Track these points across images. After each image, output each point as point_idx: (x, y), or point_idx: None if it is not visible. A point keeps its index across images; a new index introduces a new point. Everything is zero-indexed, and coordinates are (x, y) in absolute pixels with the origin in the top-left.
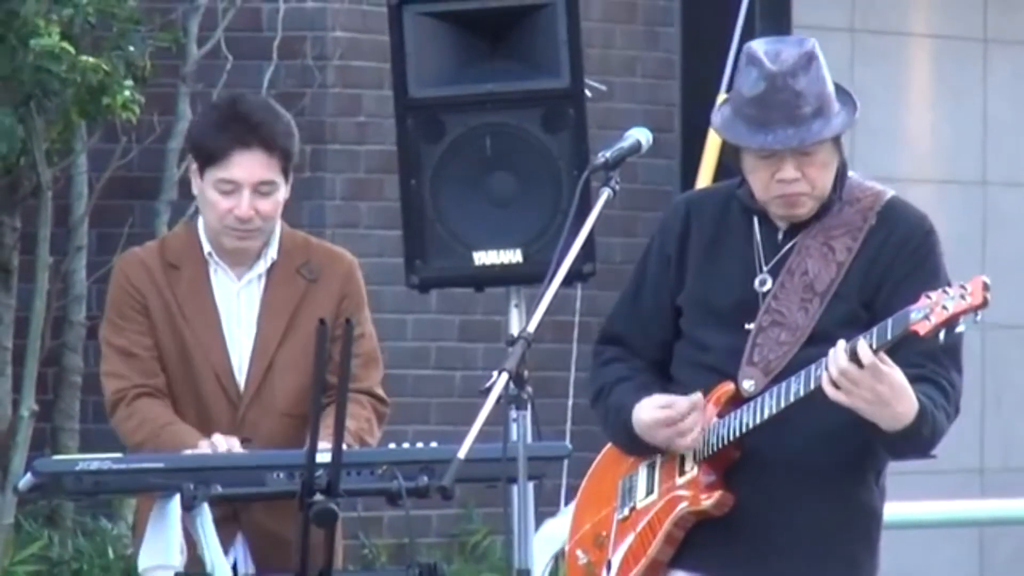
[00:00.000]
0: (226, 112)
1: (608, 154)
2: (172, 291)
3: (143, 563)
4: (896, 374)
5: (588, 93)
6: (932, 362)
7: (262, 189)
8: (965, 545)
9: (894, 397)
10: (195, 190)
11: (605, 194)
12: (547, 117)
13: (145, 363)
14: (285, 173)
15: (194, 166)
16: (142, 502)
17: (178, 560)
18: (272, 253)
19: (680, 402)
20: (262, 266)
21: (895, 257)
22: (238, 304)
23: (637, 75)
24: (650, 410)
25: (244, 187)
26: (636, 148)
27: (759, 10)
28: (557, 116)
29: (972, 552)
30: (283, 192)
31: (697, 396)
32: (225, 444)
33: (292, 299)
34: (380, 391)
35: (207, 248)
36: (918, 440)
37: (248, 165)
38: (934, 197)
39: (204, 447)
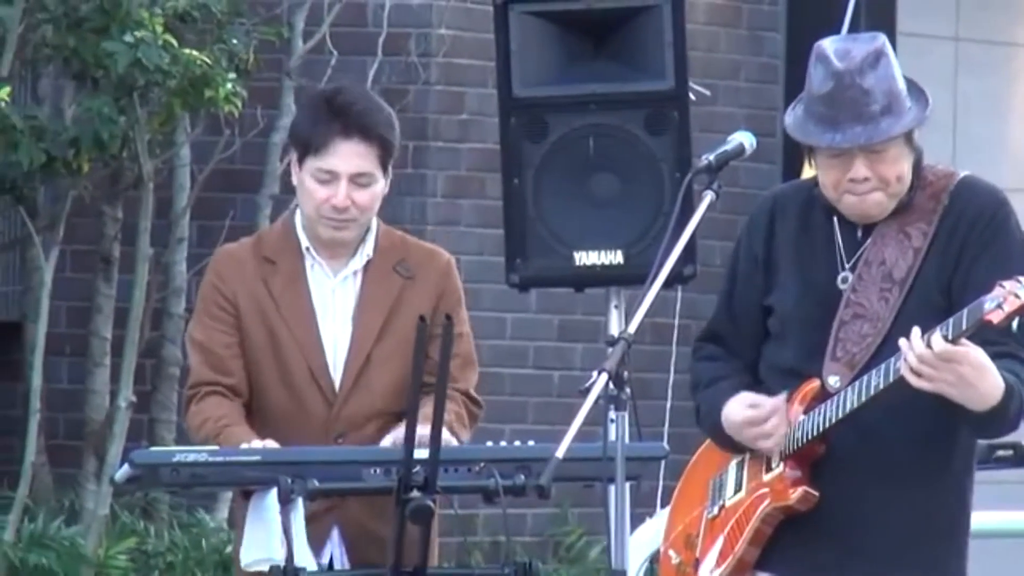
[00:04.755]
0: (327, 102)
1: (712, 157)
2: (267, 286)
3: (246, 557)
4: (976, 353)
5: (691, 96)
6: (1012, 339)
7: (360, 180)
8: None
9: (977, 377)
10: (295, 180)
11: (708, 197)
12: (650, 119)
13: (222, 361)
14: (384, 166)
15: (294, 156)
16: (238, 495)
17: (280, 553)
18: (368, 250)
19: (765, 404)
20: (358, 262)
21: (969, 233)
22: (334, 300)
23: (740, 79)
24: (738, 409)
25: (342, 177)
26: (740, 152)
27: (864, 18)
28: (660, 118)
29: None
30: (381, 185)
31: (781, 398)
32: None
33: (389, 296)
34: (475, 394)
35: (304, 243)
36: (1005, 416)
37: (346, 155)
38: None
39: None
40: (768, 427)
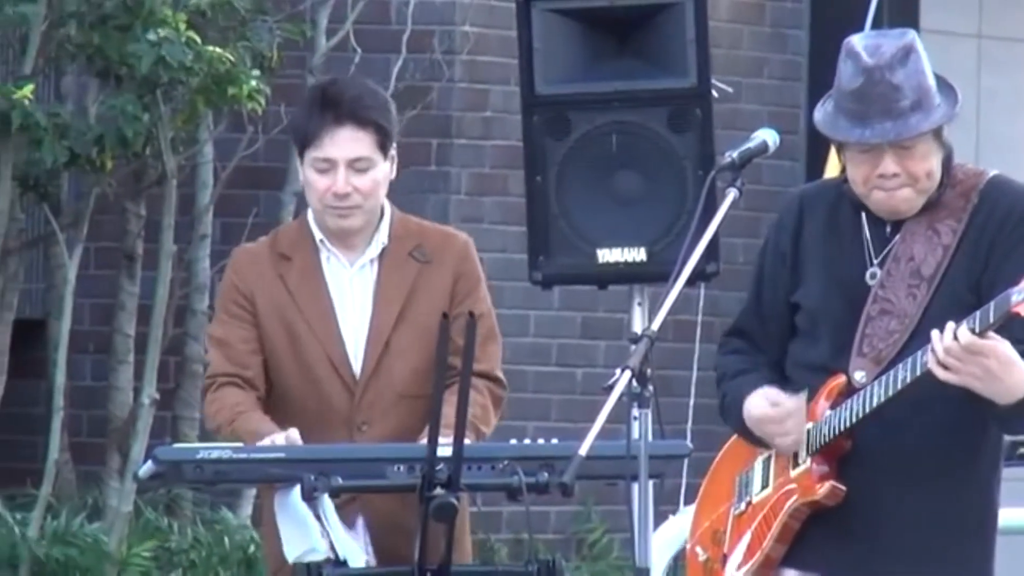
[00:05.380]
0: (318, 94)
1: (735, 154)
2: (283, 281)
3: (291, 553)
4: (1003, 347)
5: (714, 93)
6: None
7: (357, 165)
8: None
9: (1004, 370)
10: (301, 178)
11: (731, 195)
12: (673, 116)
13: (240, 355)
14: (383, 149)
15: (296, 152)
16: (263, 492)
17: (323, 545)
18: (383, 238)
19: (786, 402)
20: (374, 251)
21: (998, 232)
22: (351, 289)
23: (764, 76)
24: (759, 404)
25: (339, 164)
26: (763, 149)
27: (886, 14)
28: (683, 116)
29: None
30: (383, 170)
31: (801, 398)
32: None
33: (406, 282)
34: (499, 372)
35: (318, 235)
36: None
37: (341, 141)
38: None
39: (269, 442)
40: (788, 426)
